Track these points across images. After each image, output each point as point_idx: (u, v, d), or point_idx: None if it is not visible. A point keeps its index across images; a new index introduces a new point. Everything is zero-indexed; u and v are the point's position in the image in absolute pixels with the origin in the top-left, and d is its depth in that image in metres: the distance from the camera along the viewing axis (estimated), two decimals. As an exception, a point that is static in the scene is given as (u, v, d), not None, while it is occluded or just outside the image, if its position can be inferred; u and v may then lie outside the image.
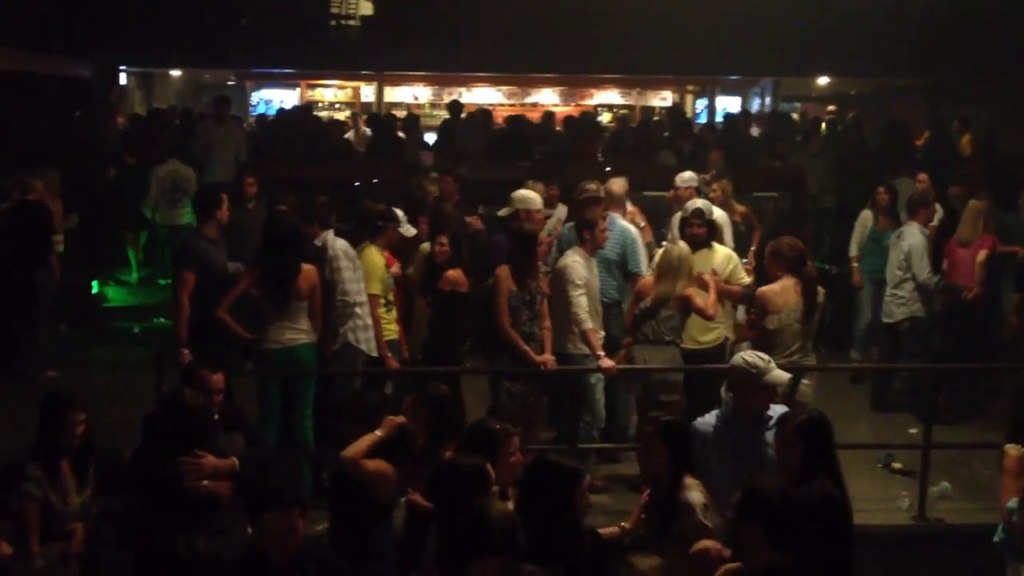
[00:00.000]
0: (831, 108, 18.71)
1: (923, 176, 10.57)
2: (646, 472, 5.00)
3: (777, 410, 5.08)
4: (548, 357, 6.87)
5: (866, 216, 9.73)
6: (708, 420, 5.10)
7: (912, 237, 8.74)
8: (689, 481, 4.59)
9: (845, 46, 14.73)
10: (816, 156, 12.91)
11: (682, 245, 7.14)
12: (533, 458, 4.45)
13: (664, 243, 7.94)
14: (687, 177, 9.05)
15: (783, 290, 6.85)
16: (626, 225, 7.90)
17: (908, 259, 8.65)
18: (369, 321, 7.20)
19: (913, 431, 7.83)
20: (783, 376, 5.01)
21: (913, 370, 8.70)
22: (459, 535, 3.41)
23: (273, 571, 3.95)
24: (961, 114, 14.40)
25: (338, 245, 7.20)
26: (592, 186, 7.84)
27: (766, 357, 5.08)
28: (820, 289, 6.98)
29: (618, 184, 8.52)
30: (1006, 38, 13.82)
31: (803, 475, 4.31)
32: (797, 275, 6.84)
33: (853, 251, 9.76)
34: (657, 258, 7.26)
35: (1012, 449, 5.29)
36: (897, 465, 7.58)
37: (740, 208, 9.39)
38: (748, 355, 5.11)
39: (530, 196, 7.76)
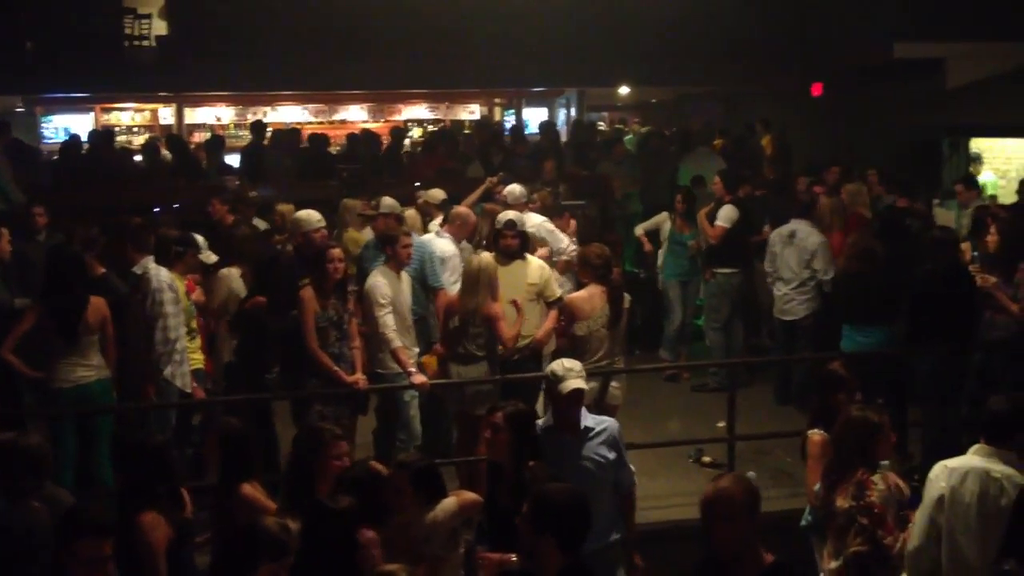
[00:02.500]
0: (635, 120, 19.36)
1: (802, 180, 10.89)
2: (492, 460, 4.95)
3: (600, 420, 5.13)
4: (359, 376, 6.75)
5: (662, 218, 10.05)
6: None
7: (813, 236, 8.99)
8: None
9: (643, 57, 15.24)
10: (620, 163, 13.26)
11: (484, 256, 7.16)
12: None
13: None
14: (518, 193, 9.06)
15: (590, 297, 6.99)
16: (424, 240, 7.88)
17: (813, 258, 8.90)
18: (186, 355, 6.97)
19: (721, 425, 8.09)
20: (571, 385, 4.98)
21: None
22: (233, 550, 3.41)
23: None
24: (754, 119, 15.14)
25: (162, 276, 6.87)
26: (390, 201, 7.79)
27: (569, 365, 5.10)
28: (626, 295, 7.14)
29: (435, 195, 8.57)
30: (787, 50, 14.65)
31: (513, 464, 4.65)
32: (603, 282, 6.97)
33: (659, 259, 10.04)
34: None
35: (815, 435, 5.50)
36: (707, 459, 7.83)
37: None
38: (555, 364, 5.15)
39: (305, 217, 7.48)
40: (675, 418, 8.85)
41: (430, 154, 13.81)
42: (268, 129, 14.82)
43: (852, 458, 4.79)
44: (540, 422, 5.15)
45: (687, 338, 10.22)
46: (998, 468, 4.44)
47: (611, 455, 5.06)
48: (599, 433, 5.07)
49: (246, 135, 16.29)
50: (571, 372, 5.03)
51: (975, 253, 8.55)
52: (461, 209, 8.41)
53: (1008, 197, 11.28)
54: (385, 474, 4.66)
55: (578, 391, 5.01)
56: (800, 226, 9.13)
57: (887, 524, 4.69)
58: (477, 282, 6.87)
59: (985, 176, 12.82)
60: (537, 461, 4.64)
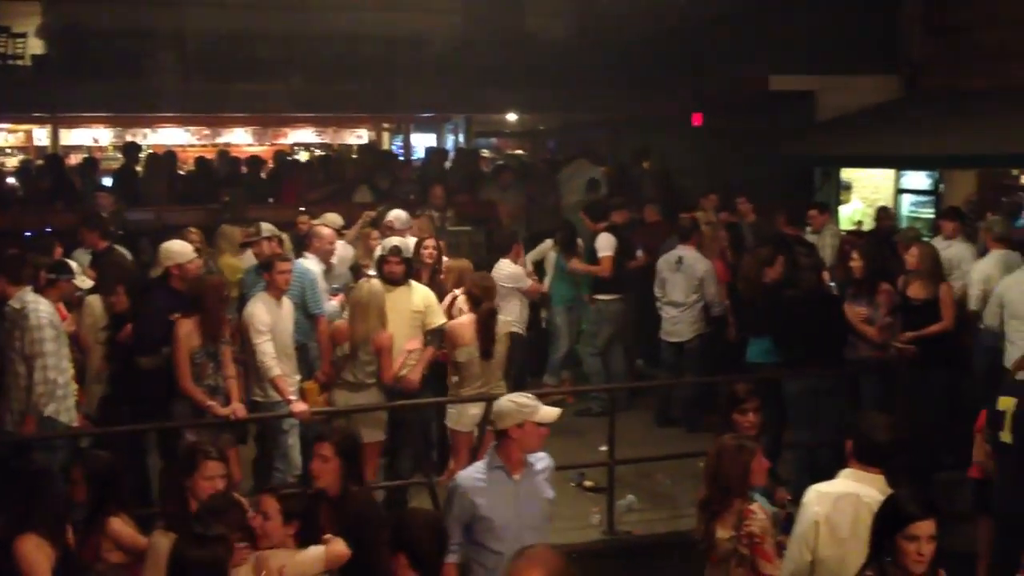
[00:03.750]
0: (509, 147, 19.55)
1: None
2: (319, 484, 4.85)
3: (538, 456, 4.83)
4: (236, 406, 6.64)
5: (546, 247, 10.17)
6: (474, 474, 4.70)
7: (702, 263, 9.31)
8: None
9: (529, 84, 15.43)
10: (506, 190, 13.36)
11: (372, 282, 7.15)
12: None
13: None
14: (404, 218, 9.05)
15: (470, 323, 7.03)
16: (307, 266, 7.82)
17: (702, 283, 9.20)
18: (70, 389, 6.68)
19: (603, 449, 8.19)
20: (554, 412, 4.74)
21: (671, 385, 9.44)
22: None
23: None
24: (641, 146, 15.45)
25: (42, 311, 6.52)
26: (268, 225, 7.71)
27: (532, 397, 4.82)
28: (504, 319, 7.20)
29: (330, 220, 8.53)
30: (669, 79, 15.03)
31: (341, 490, 4.72)
32: (475, 312, 7.03)
33: (546, 285, 10.14)
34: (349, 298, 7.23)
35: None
36: (589, 483, 7.90)
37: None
38: (515, 397, 4.79)
39: (177, 250, 7.28)
40: (558, 443, 8.88)
41: (311, 178, 13.68)
42: (145, 151, 14.49)
43: (730, 488, 4.80)
44: (478, 467, 4.78)
45: (572, 363, 10.32)
46: (870, 494, 4.44)
47: (551, 493, 4.87)
48: (542, 470, 4.82)
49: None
50: (539, 402, 4.74)
51: (831, 283, 8.91)
52: (319, 229, 8.34)
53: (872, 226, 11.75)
54: (244, 505, 4.55)
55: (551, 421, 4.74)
56: (686, 252, 9.42)
57: (767, 553, 4.71)
58: (368, 309, 6.83)
59: (854, 204, 13.36)
60: (360, 487, 4.67)
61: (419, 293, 7.51)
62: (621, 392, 9.41)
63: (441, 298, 7.69)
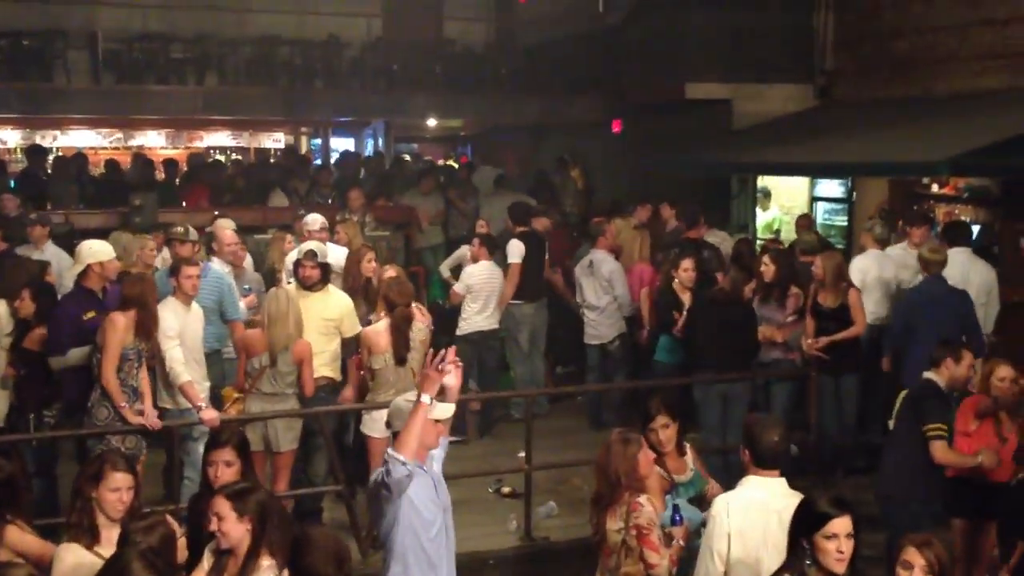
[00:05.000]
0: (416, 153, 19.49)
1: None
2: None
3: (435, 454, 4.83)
4: (149, 411, 6.50)
5: (462, 253, 10.12)
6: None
7: (608, 263, 9.44)
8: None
9: (447, 89, 15.38)
10: (427, 195, 13.28)
11: (290, 289, 7.06)
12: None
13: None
14: (321, 222, 8.86)
15: (385, 330, 6.97)
16: (221, 271, 7.65)
17: (611, 283, 9.32)
18: None
19: (522, 455, 8.15)
20: (449, 408, 4.72)
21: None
22: None
23: None
24: (562, 152, 15.49)
25: None
26: (179, 229, 7.54)
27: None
28: (420, 325, 7.12)
29: (224, 224, 8.33)
30: (589, 86, 15.13)
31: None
32: (392, 315, 6.97)
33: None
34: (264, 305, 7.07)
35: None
36: (507, 490, 7.87)
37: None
38: (410, 395, 4.76)
39: (98, 248, 7.12)
40: (478, 449, 8.87)
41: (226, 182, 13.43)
42: (54, 153, 14.09)
43: (619, 481, 4.94)
44: (402, 467, 4.54)
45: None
46: (776, 499, 4.51)
47: None
48: (438, 459, 4.87)
49: (32, 159, 15.41)
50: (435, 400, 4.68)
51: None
52: (221, 231, 8.18)
53: (791, 232, 11.93)
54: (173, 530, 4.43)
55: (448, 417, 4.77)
56: (596, 255, 9.54)
57: (653, 544, 4.87)
58: (287, 318, 6.70)
59: (772, 212, 13.55)
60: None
61: (334, 300, 7.39)
62: (539, 398, 9.40)
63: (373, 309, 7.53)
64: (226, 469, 4.82)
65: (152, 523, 4.20)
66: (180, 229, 8.18)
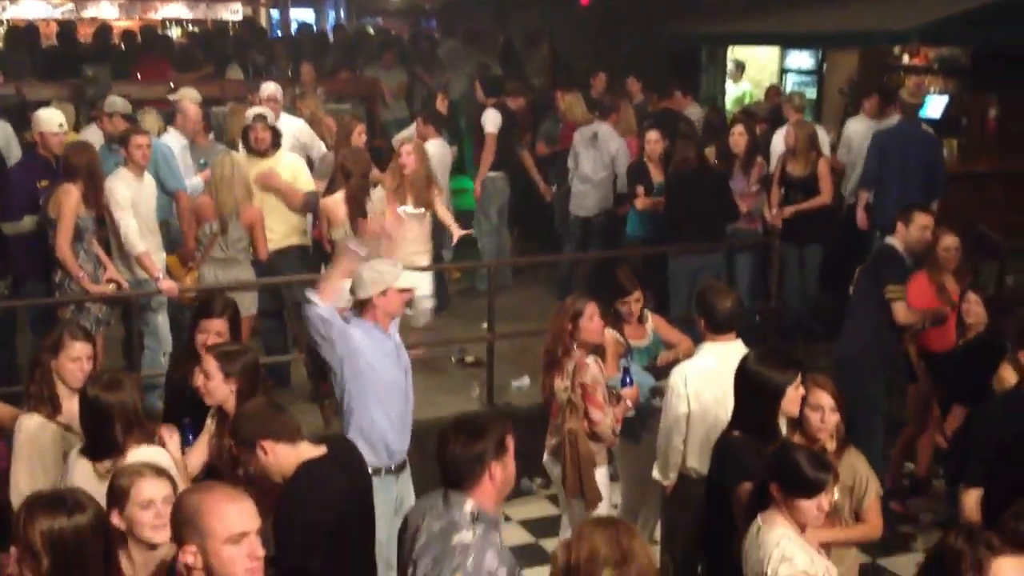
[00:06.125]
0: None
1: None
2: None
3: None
4: (113, 274, 6.47)
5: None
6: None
7: (615, 139, 9.16)
8: None
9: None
10: (390, 69, 13.00)
11: (234, 155, 6.95)
12: None
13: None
14: (272, 89, 8.60)
15: (343, 200, 6.92)
16: (160, 142, 7.50)
17: (615, 159, 9.07)
18: None
19: (484, 325, 8.18)
20: (418, 277, 4.90)
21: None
22: None
23: None
24: (529, 26, 15.12)
25: None
26: (119, 101, 7.41)
27: (392, 262, 4.92)
28: (379, 195, 7.05)
29: (189, 97, 8.16)
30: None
31: None
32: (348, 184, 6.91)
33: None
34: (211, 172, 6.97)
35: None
36: (470, 359, 7.92)
37: (329, 122, 9.27)
38: (376, 264, 4.80)
39: (44, 118, 7.00)
40: (442, 321, 8.86)
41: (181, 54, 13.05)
42: (4, 25, 13.61)
43: (565, 343, 5.07)
44: (313, 307, 4.62)
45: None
46: (732, 364, 4.47)
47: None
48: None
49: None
50: (400, 267, 4.83)
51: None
52: (185, 105, 7.98)
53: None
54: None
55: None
56: (602, 129, 9.30)
57: (597, 401, 5.01)
58: (232, 182, 6.60)
59: (743, 86, 13.38)
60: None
61: (286, 162, 7.32)
62: (504, 269, 9.38)
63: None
64: (216, 340, 4.74)
65: (112, 379, 4.15)
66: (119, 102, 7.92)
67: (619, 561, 2.89)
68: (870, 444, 5.40)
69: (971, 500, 4.30)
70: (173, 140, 7.68)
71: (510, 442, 3.48)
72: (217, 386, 4.22)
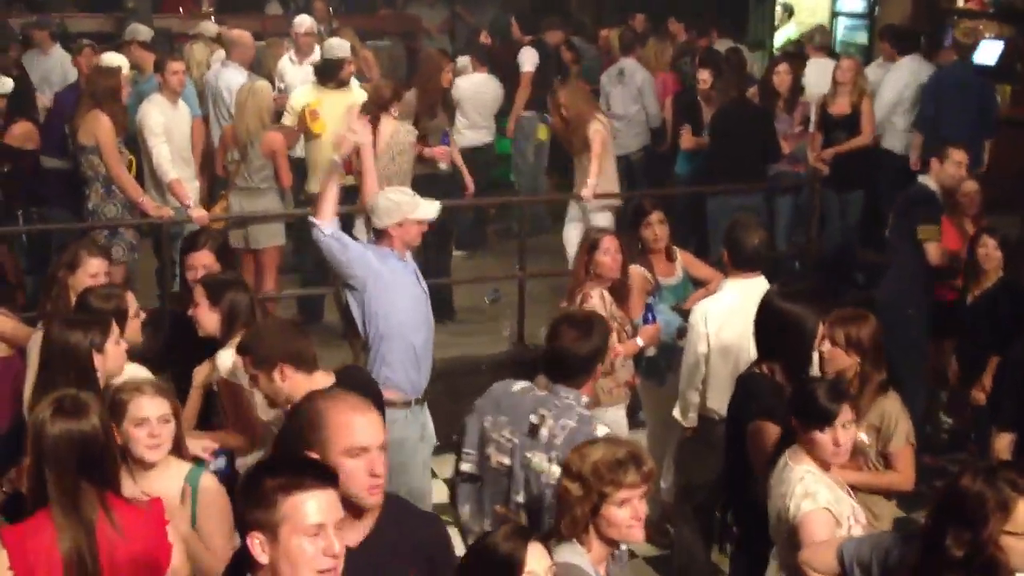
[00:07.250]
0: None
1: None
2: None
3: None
4: (148, 202, 6.41)
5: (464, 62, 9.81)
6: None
7: (640, 72, 9.08)
8: None
9: None
10: (433, 7, 12.89)
11: (258, 82, 6.87)
12: None
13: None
14: (309, 23, 8.52)
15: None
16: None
17: (641, 92, 8.96)
18: None
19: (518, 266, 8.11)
20: (434, 206, 4.73)
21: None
22: None
23: None
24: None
25: None
26: (144, 29, 7.40)
27: (410, 192, 4.83)
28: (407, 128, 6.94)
29: (208, 29, 8.12)
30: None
31: None
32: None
33: None
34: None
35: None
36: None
37: (366, 54, 9.19)
38: (392, 193, 4.75)
39: (110, 60, 6.71)
40: (475, 263, 8.81)
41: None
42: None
43: (579, 276, 5.07)
44: (317, 231, 4.57)
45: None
46: (754, 301, 4.32)
47: None
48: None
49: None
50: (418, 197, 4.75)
51: None
52: (235, 33, 7.90)
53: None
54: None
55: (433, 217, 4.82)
56: (628, 64, 9.17)
57: None
58: (243, 108, 6.52)
59: (790, 28, 13.06)
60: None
61: (355, 94, 7.16)
62: (540, 211, 9.28)
63: None
64: (204, 272, 4.67)
65: (109, 293, 4.12)
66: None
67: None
68: (912, 391, 5.29)
69: (1003, 443, 4.19)
70: (233, 74, 7.54)
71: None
72: (205, 315, 4.19)
